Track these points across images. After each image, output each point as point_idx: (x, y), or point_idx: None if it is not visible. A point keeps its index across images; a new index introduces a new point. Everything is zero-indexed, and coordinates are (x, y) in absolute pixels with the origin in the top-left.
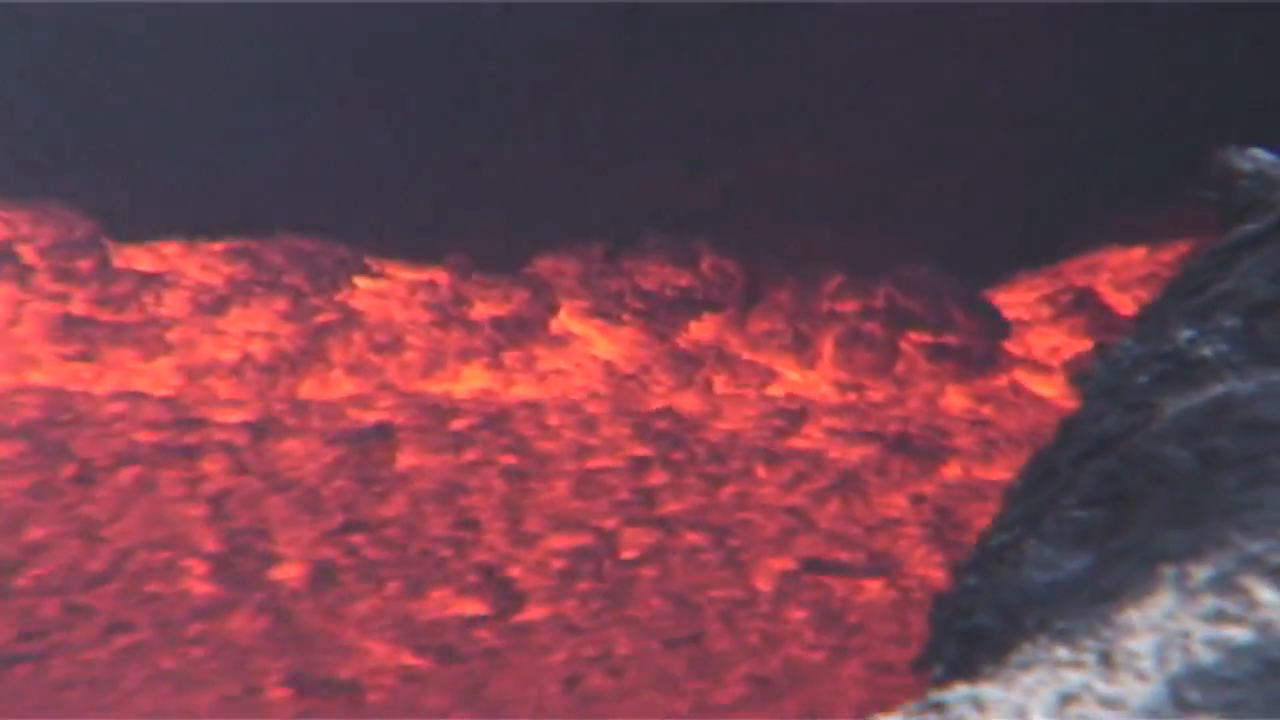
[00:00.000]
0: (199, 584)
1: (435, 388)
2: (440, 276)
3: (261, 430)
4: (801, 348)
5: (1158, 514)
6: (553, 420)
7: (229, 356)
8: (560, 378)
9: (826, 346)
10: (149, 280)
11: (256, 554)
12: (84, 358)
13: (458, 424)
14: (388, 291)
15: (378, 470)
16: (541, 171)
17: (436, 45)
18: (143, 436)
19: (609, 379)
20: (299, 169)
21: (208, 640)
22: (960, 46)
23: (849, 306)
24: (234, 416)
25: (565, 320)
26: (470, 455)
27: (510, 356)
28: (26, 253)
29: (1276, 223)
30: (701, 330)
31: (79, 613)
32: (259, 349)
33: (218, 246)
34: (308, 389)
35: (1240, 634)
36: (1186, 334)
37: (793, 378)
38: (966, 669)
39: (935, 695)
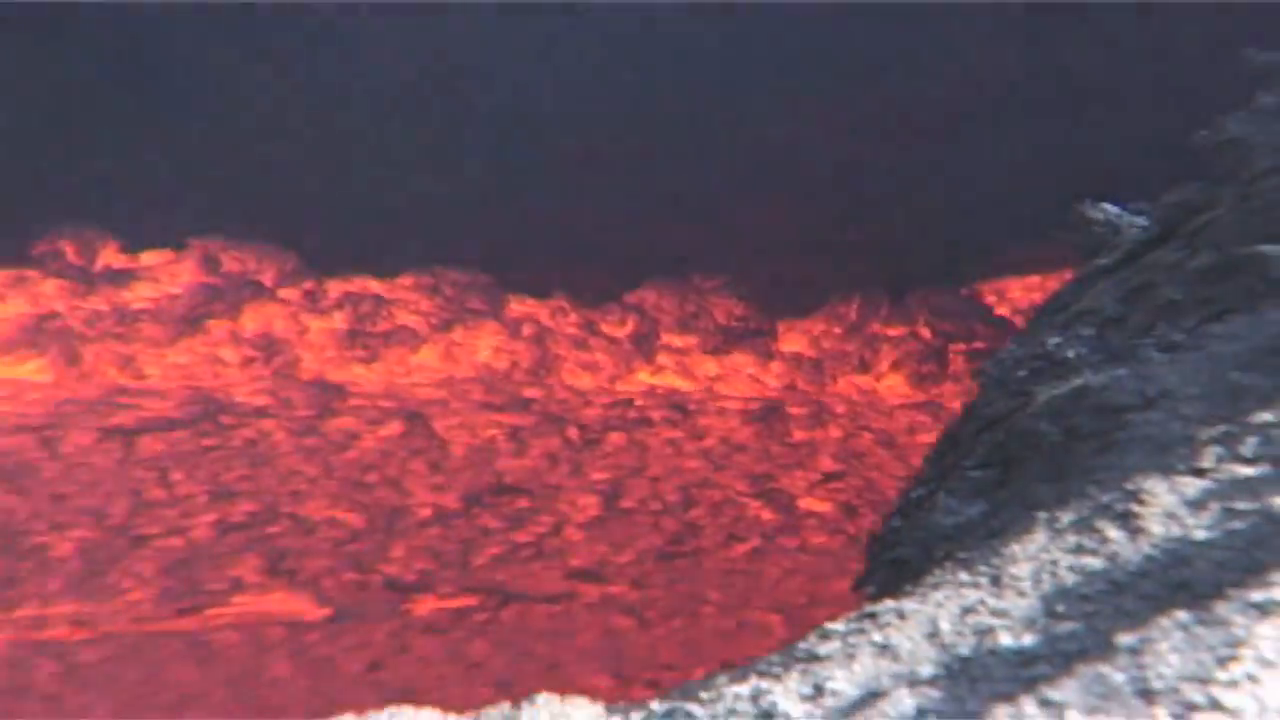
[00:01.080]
0: None
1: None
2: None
3: (542, 412)
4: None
5: (1033, 474)
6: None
7: (489, 360)
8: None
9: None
10: (373, 301)
11: None
12: (365, 360)
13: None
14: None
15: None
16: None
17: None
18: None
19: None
20: (470, 228)
21: None
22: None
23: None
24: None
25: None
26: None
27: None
28: (267, 279)
29: (1121, 258)
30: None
31: None
32: (501, 359)
33: (407, 280)
34: (541, 390)
35: (1094, 562)
36: (1054, 340)
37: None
38: (892, 589)
39: (869, 608)
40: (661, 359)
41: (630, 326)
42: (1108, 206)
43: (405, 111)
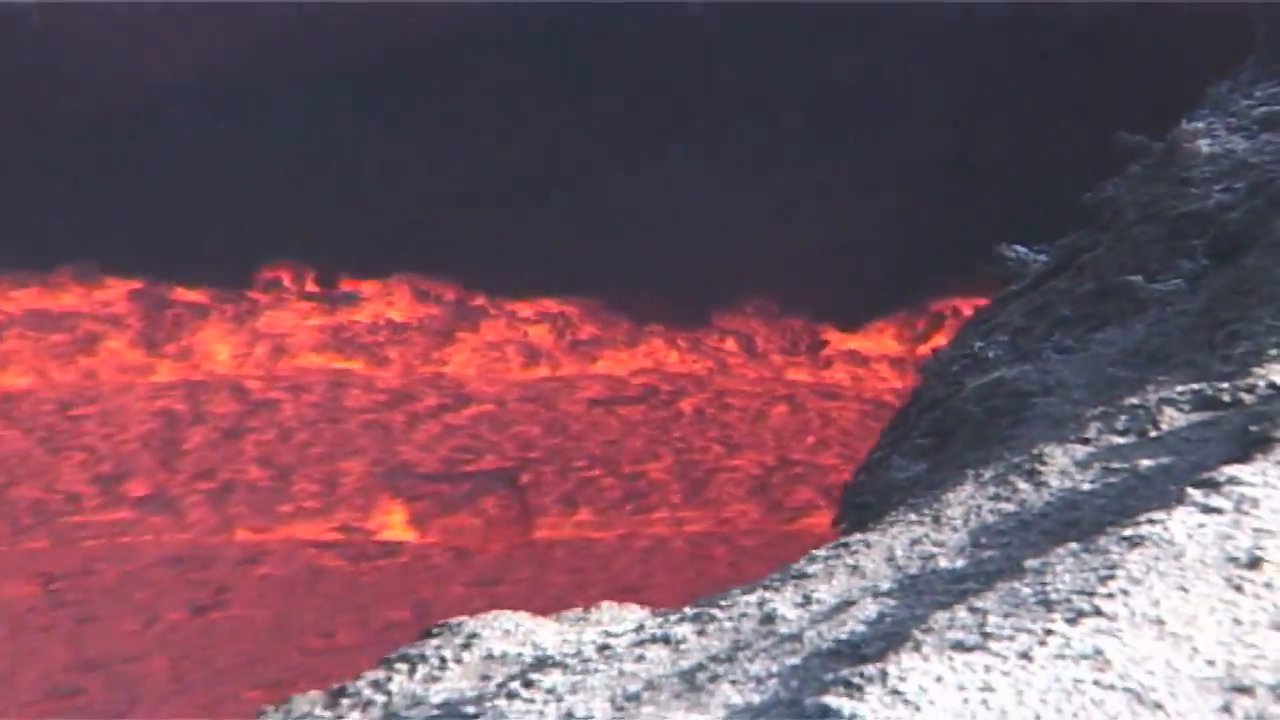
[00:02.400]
0: None
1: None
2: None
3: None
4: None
5: (962, 442)
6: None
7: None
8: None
9: None
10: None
11: None
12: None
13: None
14: None
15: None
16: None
17: None
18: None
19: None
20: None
21: None
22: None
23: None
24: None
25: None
26: None
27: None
28: (476, 303)
29: (1028, 284)
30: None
31: None
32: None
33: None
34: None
35: (1008, 506)
36: (978, 344)
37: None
38: (860, 526)
39: (843, 539)
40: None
41: None
42: (1018, 248)
43: None
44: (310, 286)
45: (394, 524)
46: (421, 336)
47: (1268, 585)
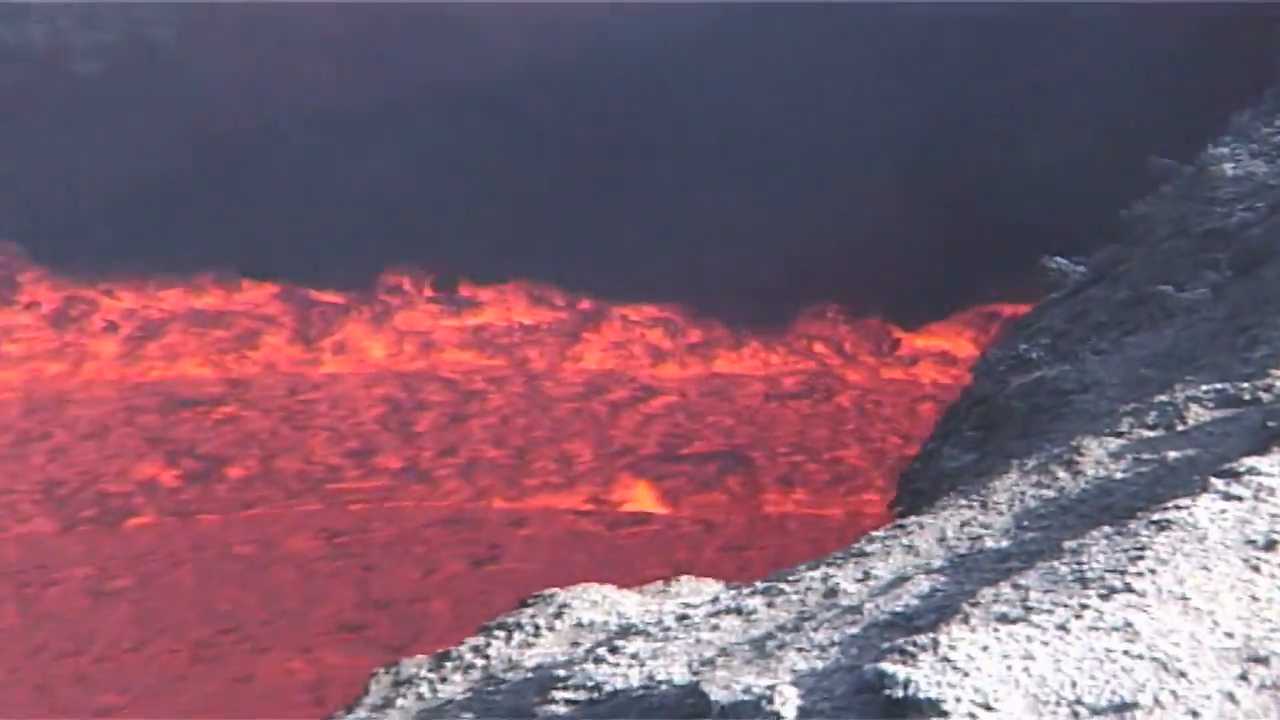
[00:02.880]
0: None
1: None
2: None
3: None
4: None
5: (1007, 435)
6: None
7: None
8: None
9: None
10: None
11: None
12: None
13: None
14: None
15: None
16: None
17: None
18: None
19: None
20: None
21: None
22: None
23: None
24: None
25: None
26: None
27: None
28: (556, 300)
29: (1068, 293)
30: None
31: None
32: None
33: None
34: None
35: (1048, 493)
36: (1023, 346)
37: None
38: (914, 510)
39: (899, 521)
40: None
41: None
42: (1060, 260)
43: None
44: (428, 291)
45: (639, 497)
46: (552, 337)
47: (1271, 546)
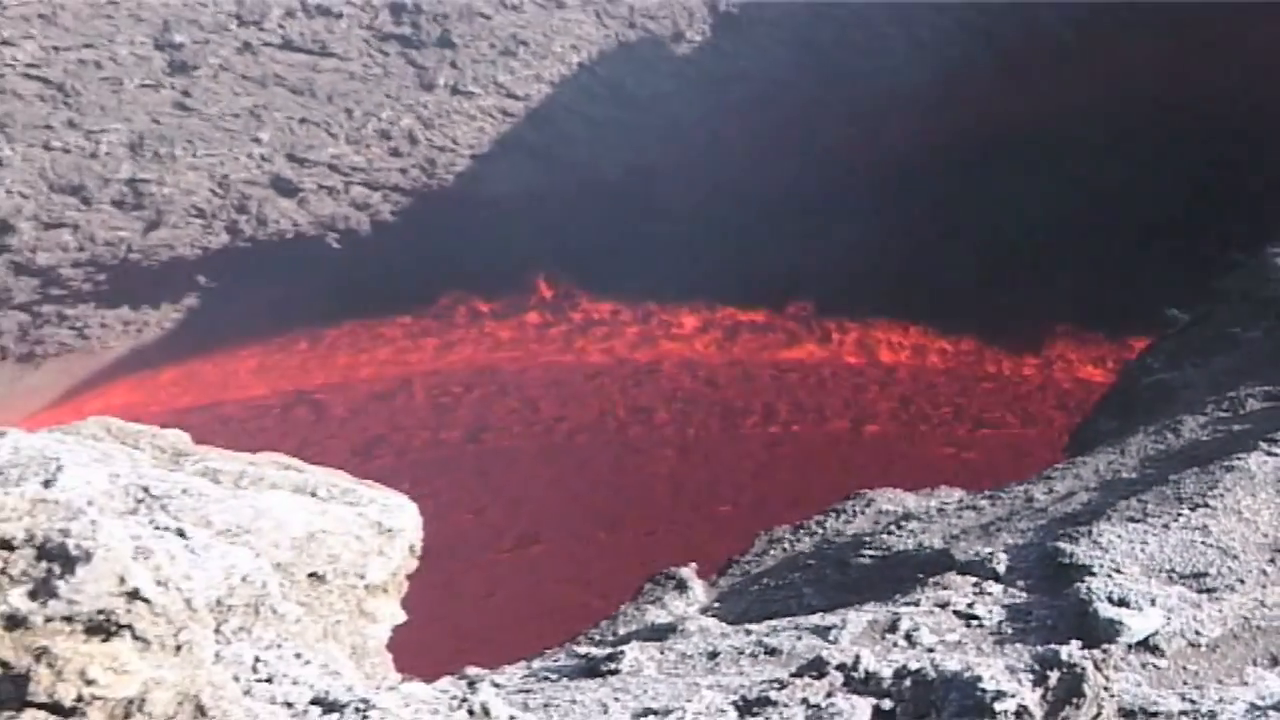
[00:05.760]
0: None
1: None
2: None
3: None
4: None
5: (1138, 412)
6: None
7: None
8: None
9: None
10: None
11: None
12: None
13: None
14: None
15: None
16: None
17: None
18: None
19: None
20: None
21: None
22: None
23: None
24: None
25: None
26: None
27: None
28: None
29: (1178, 330)
30: None
31: None
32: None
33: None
34: None
35: (1160, 447)
36: (1149, 360)
37: None
38: (1080, 454)
39: (1069, 461)
40: None
41: None
42: (1174, 310)
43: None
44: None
45: None
46: (756, 336)
47: None
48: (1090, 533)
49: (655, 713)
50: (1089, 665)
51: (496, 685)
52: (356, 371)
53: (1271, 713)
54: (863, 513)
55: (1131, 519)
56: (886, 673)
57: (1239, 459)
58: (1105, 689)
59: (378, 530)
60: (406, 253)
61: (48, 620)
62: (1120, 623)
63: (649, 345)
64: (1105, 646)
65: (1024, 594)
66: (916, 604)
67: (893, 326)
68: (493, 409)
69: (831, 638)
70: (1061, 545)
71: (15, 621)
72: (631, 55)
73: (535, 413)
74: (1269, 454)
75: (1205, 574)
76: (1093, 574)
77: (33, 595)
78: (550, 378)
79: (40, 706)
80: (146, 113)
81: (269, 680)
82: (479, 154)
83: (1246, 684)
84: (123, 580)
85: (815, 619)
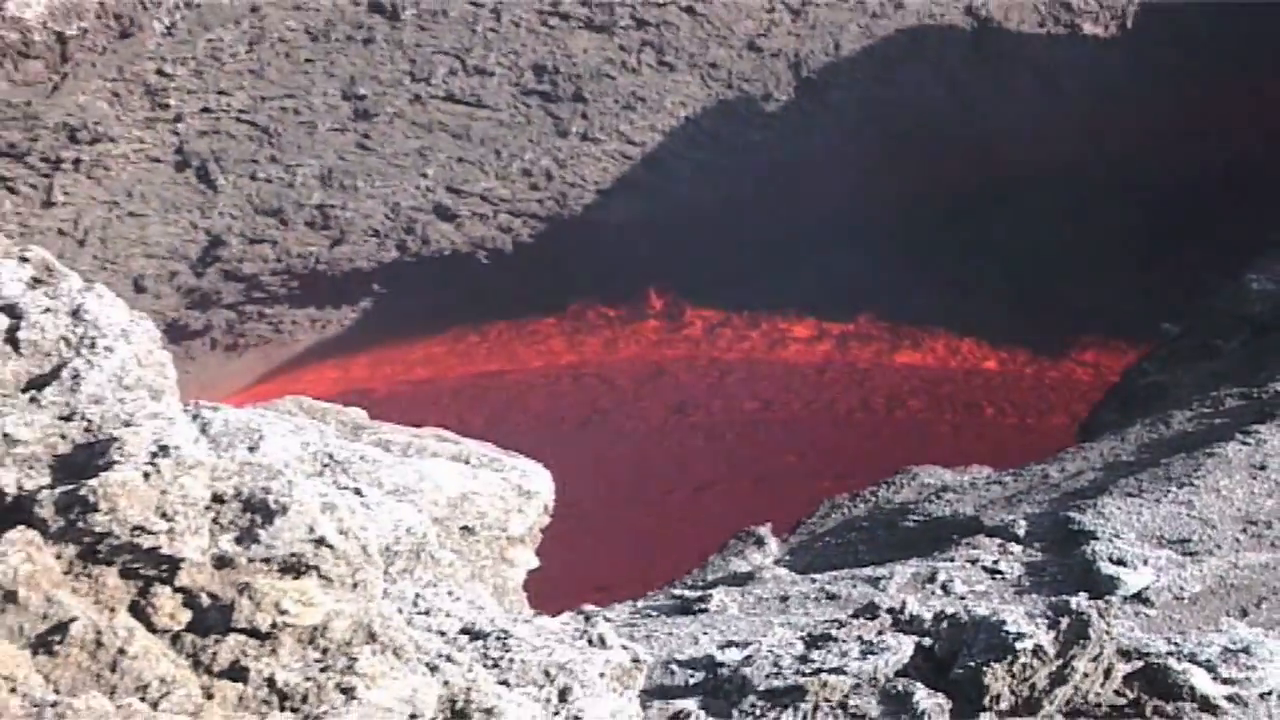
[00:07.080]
0: None
1: None
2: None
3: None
4: None
5: (1136, 407)
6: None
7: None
8: None
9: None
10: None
11: None
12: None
13: None
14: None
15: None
16: None
17: None
18: None
19: None
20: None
21: None
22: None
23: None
24: None
25: None
26: None
27: None
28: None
29: (1169, 340)
30: None
31: None
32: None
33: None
34: None
35: (1154, 436)
36: (1145, 365)
37: None
38: (1086, 440)
39: (1079, 445)
40: None
41: None
42: (1168, 325)
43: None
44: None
45: None
46: (863, 344)
47: (1262, 468)
48: (1095, 505)
49: (737, 644)
50: (1094, 613)
51: (608, 620)
52: (528, 362)
53: (1241, 655)
54: (908, 485)
55: (1129, 494)
56: (927, 616)
57: (1219, 447)
58: (1106, 633)
59: (518, 492)
60: (541, 268)
61: (250, 561)
62: (1118, 579)
63: (780, 346)
64: (1106, 598)
65: (1040, 554)
66: (952, 560)
67: (946, 335)
68: (689, 392)
69: (881, 586)
70: (1071, 514)
71: (224, 562)
72: (728, 110)
73: (728, 399)
74: (1243, 443)
75: (1189, 540)
76: (1096, 539)
77: (238, 540)
78: (741, 371)
79: (241, 631)
80: (334, 151)
81: (426, 613)
82: (602, 189)
83: (1221, 631)
84: (311, 530)
85: (868, 571)
